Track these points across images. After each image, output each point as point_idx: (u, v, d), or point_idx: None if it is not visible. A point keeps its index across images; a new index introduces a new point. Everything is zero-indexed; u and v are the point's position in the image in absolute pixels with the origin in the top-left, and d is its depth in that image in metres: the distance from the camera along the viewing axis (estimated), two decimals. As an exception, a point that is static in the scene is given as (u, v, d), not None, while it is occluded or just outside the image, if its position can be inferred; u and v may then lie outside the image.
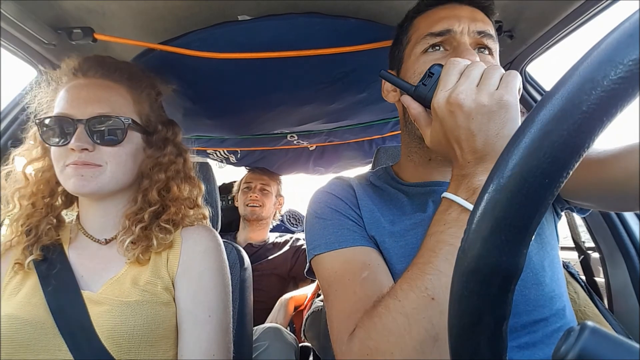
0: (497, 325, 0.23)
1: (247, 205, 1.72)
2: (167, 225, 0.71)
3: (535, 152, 0.20)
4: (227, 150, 1.66)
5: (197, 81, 0.97)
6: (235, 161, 1.75)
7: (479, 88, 0.46)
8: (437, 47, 0.60)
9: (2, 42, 0.83)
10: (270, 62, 0.87)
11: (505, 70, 0.48)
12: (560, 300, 0.58)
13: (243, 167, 1.90)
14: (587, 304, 0.75)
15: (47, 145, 0.69)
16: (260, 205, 1.71)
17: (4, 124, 0.99)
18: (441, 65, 0.51)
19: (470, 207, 0.46)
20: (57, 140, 0.65)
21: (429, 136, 0.52)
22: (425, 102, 0.51)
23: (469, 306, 0.23)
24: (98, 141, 0.66)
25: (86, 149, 0.64)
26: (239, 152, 1.67)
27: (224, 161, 1.79)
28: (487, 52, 0.60)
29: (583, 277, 1.01)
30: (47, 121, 0.66)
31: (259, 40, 0.83)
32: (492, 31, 0.61)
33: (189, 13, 0.82)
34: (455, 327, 0.25)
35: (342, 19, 0.81)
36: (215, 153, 1.68)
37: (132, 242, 0.68)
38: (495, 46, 0.61)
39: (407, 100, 0.54)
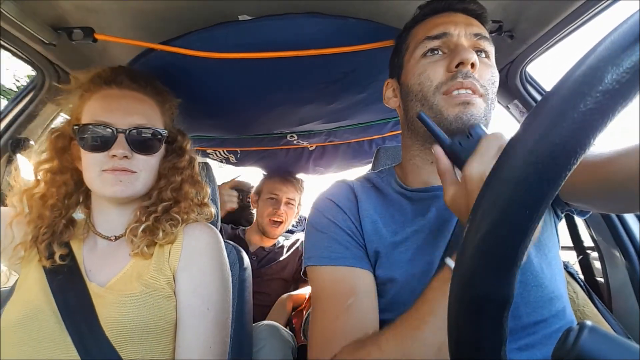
0: (495, 350, 0.24)
1: (270, 219, 1.63)
2: (177, 216, 0.75)
3: (515, 184, 0.21)
4: (227, 151, 1.66)
5: (198, 81, 0.97)
6: (235, 161, 1.75)
7: None
8: (436, 51, 0.62)
9: (2, 42, 0.83)
10: (270, 62, 0.87)
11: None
12: (560, 301, 0.58)
13: (243, 167, 1.89)
14: (586, 304, 0.75)
15: (62, 152, 0.72)
16: (283, 221, 1.65)
17: (4, 124, 0.99)
18: (482, 130, 0.49)
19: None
20: (95, 147, 0.69)
21: (450, 195, 0.50)
22: (457, 162, 0.49)
23: (466, 334, 0.24)
24: (136, 150, 0.71)
25: (126, 157, 0.69)
26: (239, 152, 1.66)
27: (223, 161, 1.78)
28: (484, 55, 0.63)
29: (582, 277, 1.01)
30: (86, 128, 0.69)
31: (259, 40, 0.83)
32: (487, 34, 0.64)
33: (189, 13, 0.82)
34: (455, 354, 0.25)
35: (342, 19, 0.81)
36: (215, 153, 1.68)
37: (142, 232, 0.71)
38: (491, 48, 0.64)
39: (438, 152, 0.51)
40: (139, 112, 0.73)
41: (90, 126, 0.69)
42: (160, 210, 0.74)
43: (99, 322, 0.63)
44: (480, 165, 0.47)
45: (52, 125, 0.77)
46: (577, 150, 0.19)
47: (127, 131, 0.70)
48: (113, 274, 0.69)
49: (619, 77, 0.18)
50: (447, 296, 0.46)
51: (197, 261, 0.72)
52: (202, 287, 0.70)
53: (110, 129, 0.69)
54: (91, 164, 0.69)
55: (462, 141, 0.49)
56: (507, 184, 0.21)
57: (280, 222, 1.64)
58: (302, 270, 0.70)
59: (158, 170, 0.77)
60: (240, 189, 1.86)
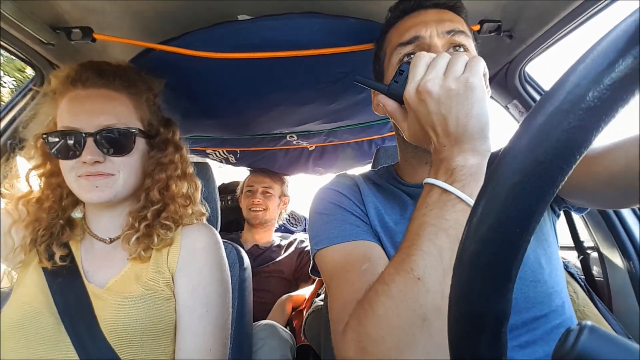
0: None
1: (250, 209, 1.71)
2: (168, 222, 0.73)
3: (503, 203, 0.21)
4: (226, 151, 1.66)
5: (197, 81, 0.97)
6: (235, 161, 1.75)
7: (445, 75, 0.48)
8: (411, 56, 0.61)
9: (1, 42, 0.83)
10: (269, 62, 0.86)
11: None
12: (559, 296, 0.58)
13: (243, 167, 1.89)
14: (587, 304, 0.75)
15: (51, 156, 0.70)
16: (264, 209, 1.71)
17: (3, 124, 0.99)
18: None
19: (450, 188, 0.46)
20: (66, 153, 0.67)
21: (406, 130, 0.54)
22: (399, 98, 0.53)
23: (465, 348, 0.24)
24: (108, 152, 0.68)
25: (98, 161, 0.66)
26: (239, 152, 1.66)
27: (223, 161, 1.78)
28: (462, 49, 0.61)
29: (582, 277, 1.01)
30: (53, 136, 0.67)
31: (259, 40, 0.83)
32: (463, 27, 0.63)
33: (189, 13, 0.81)
34: None
35: (342, 19, 0.80)
36: (215, 153, 1.68)
37: (136, 239, 0.70)
38: (468, 41, 0.62)
39: (383, 98, 0.55)
40: (105, 111, 0.69)
41: (57, 133, 0.67)
42: (151, 217, 0.72)
43: (97, 323, 0.62)
44: (414, 83, 0.49)
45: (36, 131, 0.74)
46: (563, 167, 0.20)
47: (96, 134, 0.66)
48: (111, 275, 0.69)
49: (599, 94, 0.19)
50: (431, 217, 0.46)
51: (196, 262, 0.71)
52: (201, 288, 0.70)
53: (77, 134, 0.66)
54: (66, 170, 0.68)
55: (397, 79, 0.53)
56: (495, 203, 0.22)
57: (260, 210, 1.70)
58: (311, 265, 0.68)
59: (142, 168, 0.74)
60: (232, 189, 1.89)
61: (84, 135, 0.66)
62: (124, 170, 0.70)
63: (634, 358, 0.19)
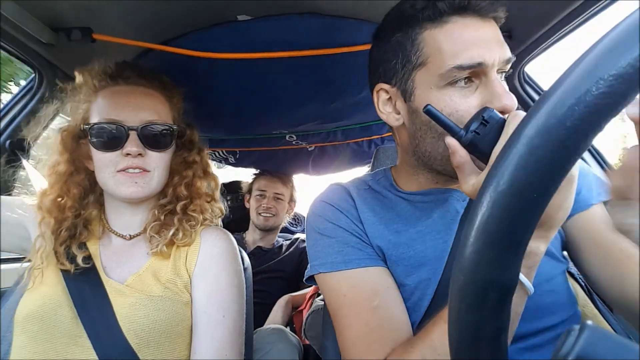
0: (496, 337, 0.23)
1: (259, 214, 1.68)
2: (194, 215, 0.75)
3: (523, 168, 0.21)
4: (225, 151, 1.66)
5: (196, 81, 0.97)
6: (234, 161, 1.75)
7: None
8: (465, 80, 0.52)
9: (1, 42, 0.83)
10: (269, 62, 0.87)
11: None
12: (573, 307, 0.59)
13: (241, 167, 1.89)
14: (587, 304, 0.75)
15: (74, 151, 0.71)
16: (274, 215, 1.70)
17: (2, 124, 0.99)
18: (497, 113, 0.45)
19: (528, 283, 0.43)
20: (107, 145, 0.68)
21: (471, 186, 0.46)
22: (476, 151, 0.46)
23: (467, 320, 0.24)
24: (149, 147, 0.70)
25: (140, 154, 0.68)
26: (238, 152, 1.66)
27: (222, 161, 1.78)
28: (502, 76, 0.56)
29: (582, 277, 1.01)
30: (97, 127, 0.68)
31: (258, 40, 0.83)
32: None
33: (189, 13, 0.81)
34: (455, 340, 0.25)
35: (342, 19, 0.81)
36: (214, 153, 1.68)
37: (163, 231, 0.71)
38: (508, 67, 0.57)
39: (454, 145, 0.47)
40: (149, 107, 0.72)
41: (101, 124, 0.68)
42: (180, 210, 0.74)
43: (116, 318, 0.62)
44: None
45: (60, 125, 0.75)
46: (588, 133, 0.19)
47: (139, 128, 0.69)
48: (130, 272, 0.69)
49: (633, 61, 0.18)
50: None
51: (214, 268, 0.72)
52: (218, 294, 0.70)
53: (122, 126, 0.68)
54: (104, 164, 0.68)
55: (479, 130, 0.45)
56: (515, 165, 0.21)
57: (270, 215, 1.68)
58: (306, 276, 0.66)
59: (170, 166, 0.76)
60: (236, 189, 1.88)
61: (128, 127, 0.68)
62: (159, 167, 0.72)
63: (634, 358, 0.19)
